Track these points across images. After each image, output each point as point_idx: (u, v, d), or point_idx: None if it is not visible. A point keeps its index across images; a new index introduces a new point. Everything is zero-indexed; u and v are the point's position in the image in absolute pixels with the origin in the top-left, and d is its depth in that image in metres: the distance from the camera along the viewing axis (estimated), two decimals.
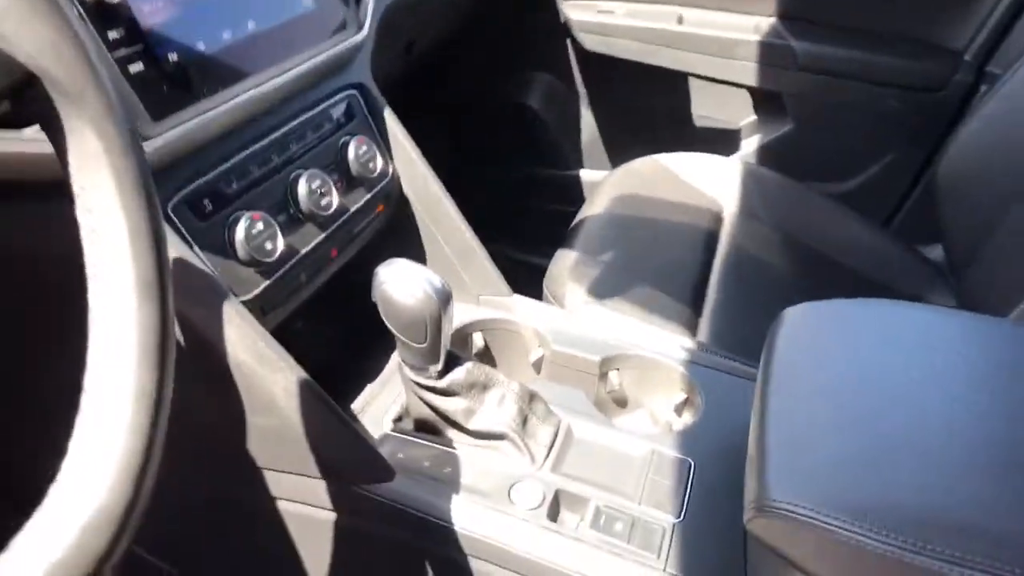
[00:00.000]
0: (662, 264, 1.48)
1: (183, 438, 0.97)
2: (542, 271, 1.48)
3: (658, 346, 1.11)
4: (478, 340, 1.15)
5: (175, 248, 0.76)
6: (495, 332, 1.16)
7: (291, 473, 0.87)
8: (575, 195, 2.12)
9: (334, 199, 0.96)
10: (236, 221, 0.84)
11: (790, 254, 1.63)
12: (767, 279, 1.56)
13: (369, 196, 1.05)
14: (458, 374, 0.90)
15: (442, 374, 0.90)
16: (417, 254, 1.18)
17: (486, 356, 1.17)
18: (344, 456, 0.85)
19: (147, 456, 0.43)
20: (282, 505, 0.92)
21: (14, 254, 0.73)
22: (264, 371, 0.80)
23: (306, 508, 0.91)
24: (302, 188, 0.92)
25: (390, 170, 1.10)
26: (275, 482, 0.90)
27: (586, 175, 2.11)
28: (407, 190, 1.14)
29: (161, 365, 0.46)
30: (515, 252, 2.15)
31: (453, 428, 0.94)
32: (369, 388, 1.05)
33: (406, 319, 0.83)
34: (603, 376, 1.09)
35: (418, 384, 0.90)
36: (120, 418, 0.43)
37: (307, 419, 0.82)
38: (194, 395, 0.88)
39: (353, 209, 1.02)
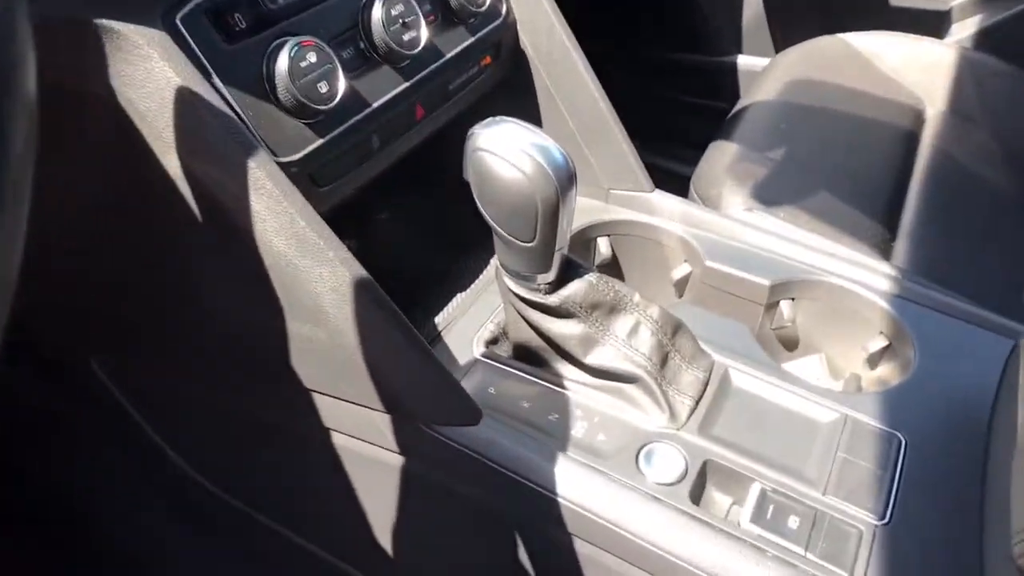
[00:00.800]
0: (847, 168, 1.14)
1: (212, 345, 0.78)
2: (683, 179, 1.17)
3: (849, 271, 0.81)
4: (604, 247, 0.89)
5: (182, 76, 0.53)
6: (628, 238, 0.89)
7: (346, 401, 0.66)
8: (728, 87, 1.76)
9: (422, 35, 0.70)
10: (279, 49, 0.59)
11: (1013, 167, 1.25)
12: (981, 197, 1.20)
13: (472, 40, 0.78)
14: (576, 288, 0.65)
15: (555, 287, 0.65)
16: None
17: (613, 269, 0.90)
18: (414, 387, 0.62)
19: None
20: (337, 439, 0.71)
21: None
22: (306, 263, 0.57)
23: (365, 446, 0.69)
24: (377, 13, 0.66)
25: (504, 8, 0.82)
26: (327, 410, 0.69)
27: (744, 63, 1.74)
28: (525, 40, 0.86)
29: None
30: (649, 155, 1.82)
31: (565, 360, 0.69)
32: (459, 298, 0.81)
33: (509, 203, 0.58)
34: (771, 306, 0.81)
35: (521, 298, 0.66)
36: None
37: (364, 334, 0.59)
38: (218, 289, 0.67)
39: (449, 55, 0.75)
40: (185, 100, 0.52)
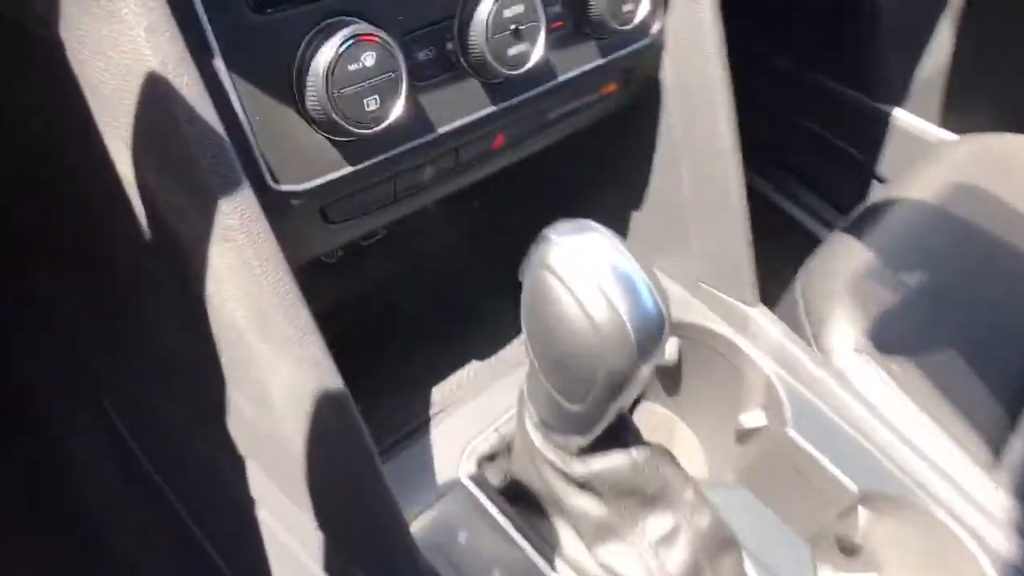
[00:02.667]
0: (998, 326, 0.90)
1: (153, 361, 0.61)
2: (778, 214, 0.94)
3: (957, 503, 0.63)
4: (671, 348, 0.70)
5: (162, 52, 0.34)
6: (703, 349, 0.70)
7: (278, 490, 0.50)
8: (870, 138, 1.50)
9: (535, 52, 0.49)
10: (325, 35, 0.40)
11: None
12: None
13: (601, 62, 0.57)
14: (613, 464, 0.48)
15: (586, 452, 0.47)
16: (626, 179, 0.71)
17: (670, 377, 0.72)
18: (359, 526, 0.46)
19: None
20: (263, 516, 0.56)
21: None
22: (263, 348, 0.40)
23: (293, 542, 0.54)
24: (483, 11, 0.46)
25: (655, 27, 0.61)
26: (258, 482, 0.53)
27: (901, 117, 1.48)
28: (669, 69, 0.65)
29: None
30: (755, 176, 1.59)
31: (567, 528, 0.53)
32: (469, 371, 0.64)
33: (564, 353, 0.41)
34: (849, 511, 0.63)
35: (544, 457, 0.49)
36: None
37: (315, 451, 0.43)
38: (159, 316, 0.51)
39: (563, 77, 0.55)
40: (157, 88, 0.35)
